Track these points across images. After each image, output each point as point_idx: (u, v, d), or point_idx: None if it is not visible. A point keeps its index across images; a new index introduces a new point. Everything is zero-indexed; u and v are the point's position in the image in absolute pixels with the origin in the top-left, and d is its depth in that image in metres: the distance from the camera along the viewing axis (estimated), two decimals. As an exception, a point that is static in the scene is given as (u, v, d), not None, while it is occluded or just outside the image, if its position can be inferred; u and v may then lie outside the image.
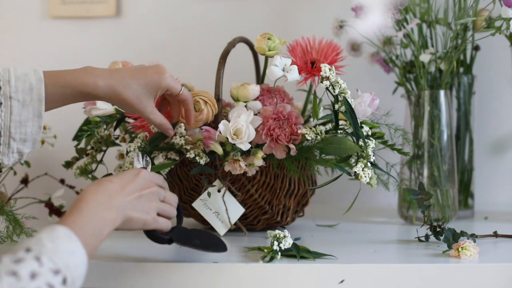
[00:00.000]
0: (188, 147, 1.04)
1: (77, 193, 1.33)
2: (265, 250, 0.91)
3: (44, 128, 1.28)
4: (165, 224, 0.89)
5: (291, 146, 1.03)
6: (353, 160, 1.05)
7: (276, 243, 0.90)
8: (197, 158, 1.03)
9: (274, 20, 1.51)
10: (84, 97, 0.92)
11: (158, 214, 0.89)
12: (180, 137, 1.04)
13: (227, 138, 1.01)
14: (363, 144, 0.98)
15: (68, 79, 0.90)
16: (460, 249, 0.91)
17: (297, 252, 0.90)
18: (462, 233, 0.98)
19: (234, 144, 1.01)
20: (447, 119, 1.23)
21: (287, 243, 0.91)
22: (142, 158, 0.98)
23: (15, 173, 1.28)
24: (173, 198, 0.93)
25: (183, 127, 1.04)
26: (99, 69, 0.92)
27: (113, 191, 0.82)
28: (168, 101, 1.02)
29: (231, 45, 1.10)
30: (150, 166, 0.98)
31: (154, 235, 0.89)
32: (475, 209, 1.36)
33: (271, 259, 0.89)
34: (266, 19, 1.51)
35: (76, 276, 0.72)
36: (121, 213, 0.82)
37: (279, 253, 0.90)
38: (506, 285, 0.86)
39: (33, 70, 0.88)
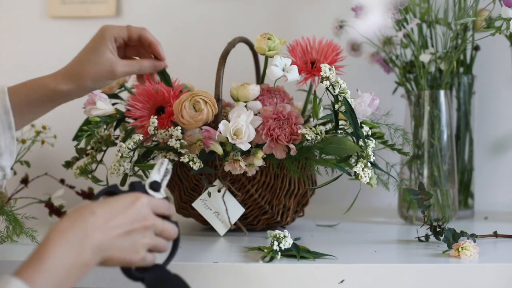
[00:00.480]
0: (183, 151, 1.04)
1: (77, 193, 1.33)
2: (265, 250, 0.91)
3: (44, 128, 1.29)
4: (152, 261, 0.76)
5: (291, 146, 1.03)
6: (353, 160, 1.05)
7: (276, 243, 0.90)
8: (190, 163, 1.03)
9: (274, 20, 1.51)
10: (52, 97, 0.91)
11: (149, 249, 0.76)
12: (176, 140, 1.04)
13: (227, 138, 1.01)
14: (363, 144, 0.97)
15: (29, 84, 0.90)
16: (460, 249, 0.91)
17: (297, 252, 0.90)
18: (462, 233, 0.98)
19: (234, 144, 1.01)
20: (447, 119, 1.23)
21: (287, 243, 0.91)
22: (163, 167, 0.82)
23: (15, 173, 1.28)
24: (172, 232, 0.78)
25: (180, 130, 1.04)
26: (59, 70, 0.93)
27: (92, 227, 0.69)
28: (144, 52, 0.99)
29: (231, 45, 1.10)
30: (168, 177, 0.82)
31: (126, 268, 0.77)
32: (475, 209, 1.36)
33: (271, 259, 0.89)
34: (266, 19, 1.51)
35: None
36: (97, 254, 0.70)
37: (279, 253, 0.90)
38: (506, 285, 0.86)
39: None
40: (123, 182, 1.06)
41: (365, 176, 0.96)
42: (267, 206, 1.10)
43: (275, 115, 1.04)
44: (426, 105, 1.23)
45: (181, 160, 1.03)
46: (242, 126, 1.01)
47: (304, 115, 1.18)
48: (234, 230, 1.10)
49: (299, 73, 1.04)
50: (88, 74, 0.90)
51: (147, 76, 1.20)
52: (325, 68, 0.99)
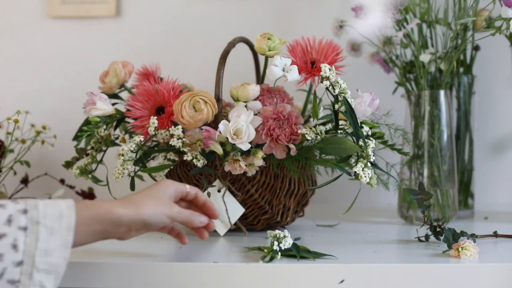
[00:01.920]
0: (186, 149, 1.04)
1: (77, 193, 1.33)
2: (265, 250, 0.91)
3: (44, 128, 1.29)
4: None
5: (291, 146, 1.03)
6: (353, 160, 1.05)
7: (276, 243, 0.90)
8: (194, 161, 1.03)
9: (274, 20, 1.51)
10: (109, 225, 0.85)
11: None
12: (178, 139, 1.04)
13: (227, 138, 1.01)
14: (363, 144, 0.97)
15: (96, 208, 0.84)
16: (460, 249, 0.91)
17: (297, 252, 0.90)
18: (462, 233, 0.98)
19: (234, 144, 1.01)
20: (447, 119, 1.23)
21: (287, 243, 0.90)
22: None
23: (15, 173, 1.28)
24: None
25: (181, 129, 1.04)
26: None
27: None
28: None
29: (231, 45, 1.10)
30: None
31: None
32: (475, 209, 1.36)
33: (271, 259, 0.89)
34: (266, 19, 1.51)
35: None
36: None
37: (279, 253, 0.90)
38: (506, 285, 0.86)
39: (63, 199, 0.81)
40: (132, 186, 1.06)
41: (365, 176, 0.96)
42: (267, 206, 1.10)
43: (275, 115, 1.04)
44: (426, 105, 1.23)
45: (184, 158, 1.03)
46: (242, 126, 1.01)
47: (304, 115, 1.18)
48: (234, 230, 1.10)
49: (299, 73, 1.04)
50: (147, 205, 0.86)
51: (147, 75, 1.20)
52: (325, 68, 0.99)
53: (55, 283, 0.77)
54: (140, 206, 0.85)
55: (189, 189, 0.93)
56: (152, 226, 0.87)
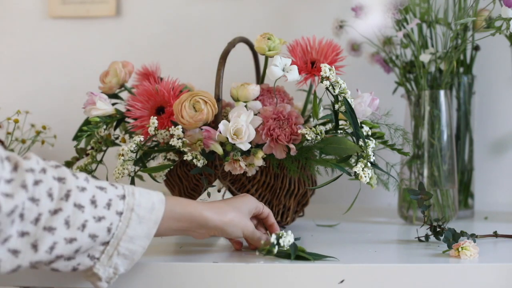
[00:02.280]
0: (186, 149, 1.04)
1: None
2: (262, 242, 0.91)
3: (44, 128, 1.29)
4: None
5: (291, 146, 1.03)
6: (353, 160, 1.05)
7: (274, 236, 0.89)
8: (194, 161, 1.03)
9: (274, 20, 1.51)
10: (195, 225, 0.89)
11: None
12: (178, 139, 1.04)
13: (227, 138, 1.01)
14: (363, 144, 0.98)
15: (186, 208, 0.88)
16: (460, 249, 0.91)
17: (293, 253, 0.89)
18: (462, 233, 0.98)
19: (234, 144, 1.01)
20: (447, 119, 1.23)
21: (287, 240, 0.90)
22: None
23: (15, 173, 1.28)
24: None
25: (181, 129, 1.04)
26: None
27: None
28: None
29: (231, 45, 1.10)
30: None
31: None
32: (475, 209, 1.36)
33: (268, 252, 0.88)
34: (266, 19, 1.51)
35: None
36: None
37: (276, 247, 0.88)
38: (506, 285, 0.86)
39: (154, 191, 0.85)
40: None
41: (365, 176, 0.96)
42: (267, 206, 1.10)
43: (275, 115, 1.04)
44: (426, 105, 1.23)
45: (184, 158, 1.03)
46: (242, 126, 1.01)
47: (304, 115, 1.18)
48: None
49: (299, 73, 1.04)
50: (230, 216, 0.91)
51: (147, 75, 1.20)
52: (325, 68, 0.99)
53: (127, 268, 0.82)
54: (225, 216, 0.90)
55: (263, 209, 0.98)
56: (227, 235, 0.91)
